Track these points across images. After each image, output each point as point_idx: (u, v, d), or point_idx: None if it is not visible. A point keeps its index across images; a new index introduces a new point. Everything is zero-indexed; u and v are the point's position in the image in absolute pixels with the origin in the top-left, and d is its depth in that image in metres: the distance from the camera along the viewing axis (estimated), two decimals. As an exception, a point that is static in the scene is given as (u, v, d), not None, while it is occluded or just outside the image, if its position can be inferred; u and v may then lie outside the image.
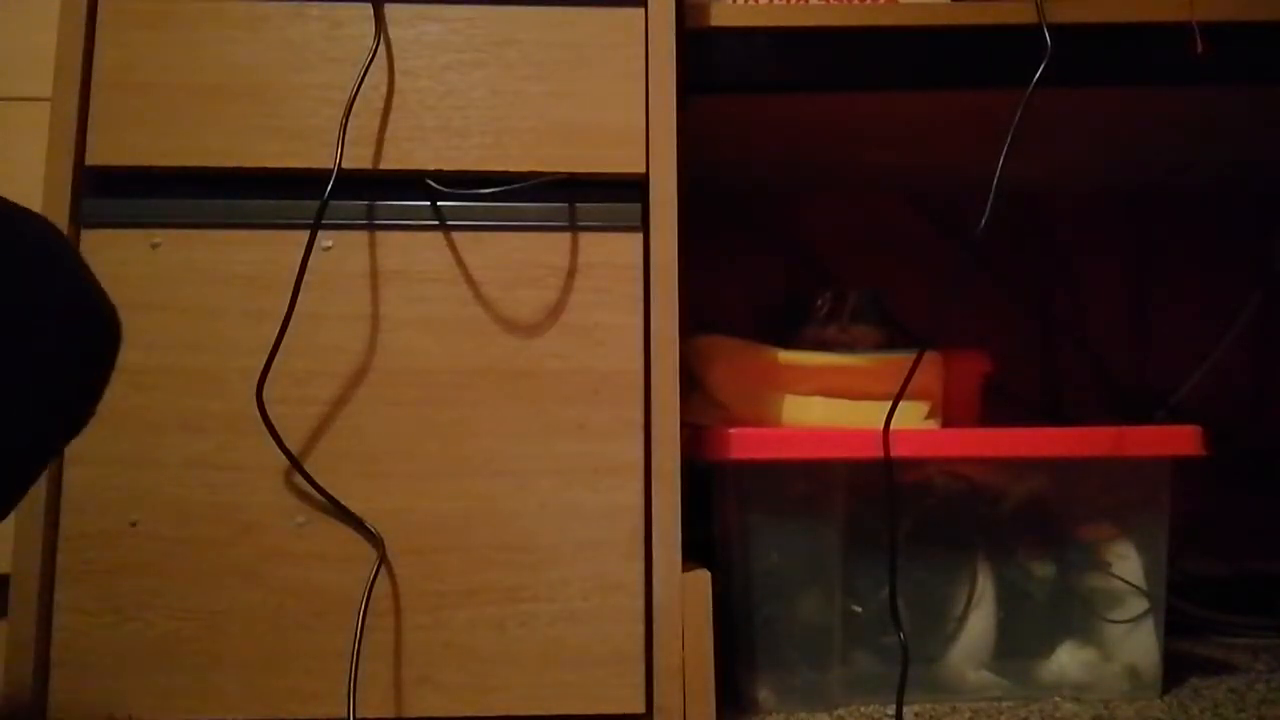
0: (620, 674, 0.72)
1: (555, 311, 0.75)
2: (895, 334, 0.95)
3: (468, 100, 0.76)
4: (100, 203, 0.74)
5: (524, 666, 0.72)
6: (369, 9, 0.75)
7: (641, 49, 0.77)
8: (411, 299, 0.74)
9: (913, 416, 0.84)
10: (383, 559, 0.72)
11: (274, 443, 0.71)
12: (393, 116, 0.75)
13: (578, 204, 0.76)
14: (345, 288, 0.74)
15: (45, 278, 0.50)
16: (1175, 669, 0.87)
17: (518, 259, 0.75)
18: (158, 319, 0.73)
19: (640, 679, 0.73)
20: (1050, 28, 0.77)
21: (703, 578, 0.74)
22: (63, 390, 0.51)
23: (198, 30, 0.75)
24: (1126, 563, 0.83)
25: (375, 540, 0.72)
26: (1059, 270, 1.24)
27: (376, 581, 0.71)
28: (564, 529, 0.73)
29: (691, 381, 0.89)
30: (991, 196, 0.73)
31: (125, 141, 0.74)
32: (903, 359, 0.77)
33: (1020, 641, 0.83)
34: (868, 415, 0.80)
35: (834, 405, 0.85)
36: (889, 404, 0.75)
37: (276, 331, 0.71)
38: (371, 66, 0.75)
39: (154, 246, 0.73)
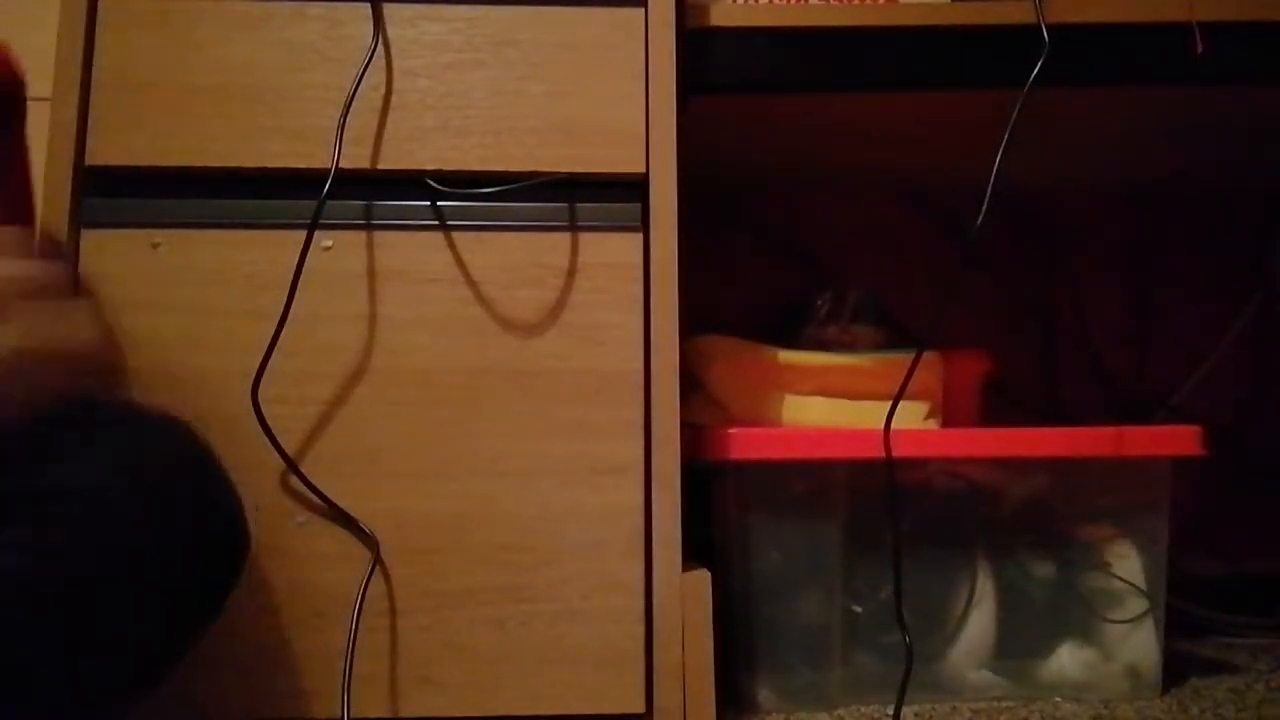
0: (620, 674, 0.72)
1: (555, 311, 0.75)
2: (895, 334, 0.95)
3: (468, 100, 0.76)
4: (100, 203, 0.74)
5: (524, 666, 0.72)
6: (368, 9, 0.75)
7: (641, 49, 0.77)
8: (411, 299, 0.74)
9: (913, 416, 0.84)
10: (377, 559, 0.72)
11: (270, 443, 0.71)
12: (392, 116, 0.75)
13: (578, 204, 0.76)
14: (345, 287, 0.74)
15: (186, 495, 0.57)
16: (1175, 669, 0.87)
17: (518, 259, 0.75)
18: (158, 319, 0.73)
19: (640, 679, 0.72)
20: (1049, 27, 0.77)
21: (703, 578, 0.74)
22: (195, 597, 0.59)
23: (198, 30, 0.75)
24: (1126, 563, 0.83)
25: (370, 541, 0.72)
26: (1059, 270, 1.24)
27: (375, 582, 0.71)
28: (564, 529, 0.73)
29: (691, 381, 0.89)
30: (988, 196, 0.73)
31: (125, 141, 0.74)
32: (903, 359, 0.77)
33: (1020, 641, 0.83)
34: (868, 415, 0.80)
35: (834, 405, 0.85)
36: (889, 404, 0.75)
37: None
38: (371, 66, 0.75)
39: (154, 246, 0.73)
